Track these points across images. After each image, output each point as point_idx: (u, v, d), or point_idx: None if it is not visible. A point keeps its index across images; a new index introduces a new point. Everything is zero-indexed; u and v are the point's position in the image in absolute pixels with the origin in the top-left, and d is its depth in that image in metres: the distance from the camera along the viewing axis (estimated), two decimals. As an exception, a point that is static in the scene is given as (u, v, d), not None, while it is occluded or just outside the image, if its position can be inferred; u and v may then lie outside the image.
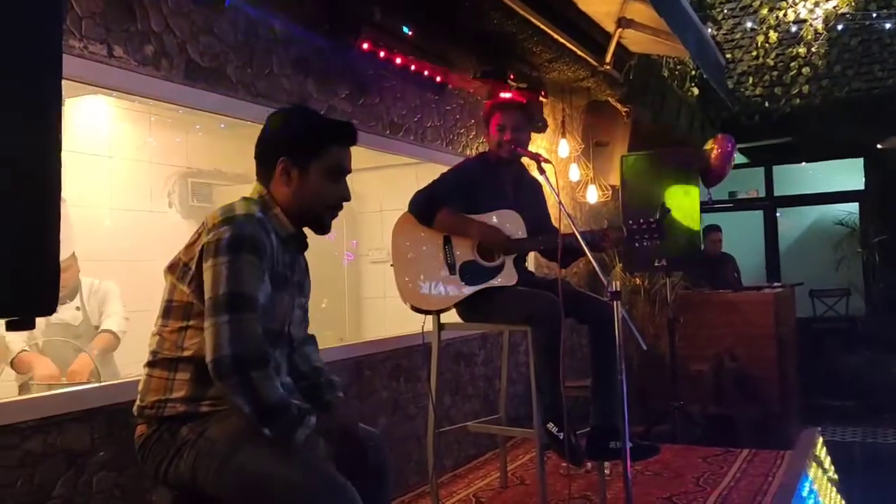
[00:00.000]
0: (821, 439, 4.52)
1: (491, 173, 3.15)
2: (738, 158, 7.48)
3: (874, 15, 7.71)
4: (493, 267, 3.04)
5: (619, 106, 5.83)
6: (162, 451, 1.82)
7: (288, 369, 2.00)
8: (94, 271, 3.48)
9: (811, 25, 7.84)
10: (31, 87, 1.00)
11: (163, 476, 1.84)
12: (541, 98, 4.88)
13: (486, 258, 3.05)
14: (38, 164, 1.01)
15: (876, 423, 6.20)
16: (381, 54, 3.56)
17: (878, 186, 8.65)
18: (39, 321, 1.07)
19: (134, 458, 1.92)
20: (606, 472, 3.46)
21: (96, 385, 2.66)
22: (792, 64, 8.02)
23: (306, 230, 2.02)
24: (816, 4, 7.86)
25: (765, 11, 8.11)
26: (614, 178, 5.93)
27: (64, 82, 1.07)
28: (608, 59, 4.96)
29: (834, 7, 7.76)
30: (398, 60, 3.68)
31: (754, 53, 8.23)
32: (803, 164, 9.55)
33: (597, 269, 2.50)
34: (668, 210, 3.13)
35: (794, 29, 7.97)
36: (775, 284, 6.82)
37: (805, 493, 3.53)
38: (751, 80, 8.25)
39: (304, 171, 1.92)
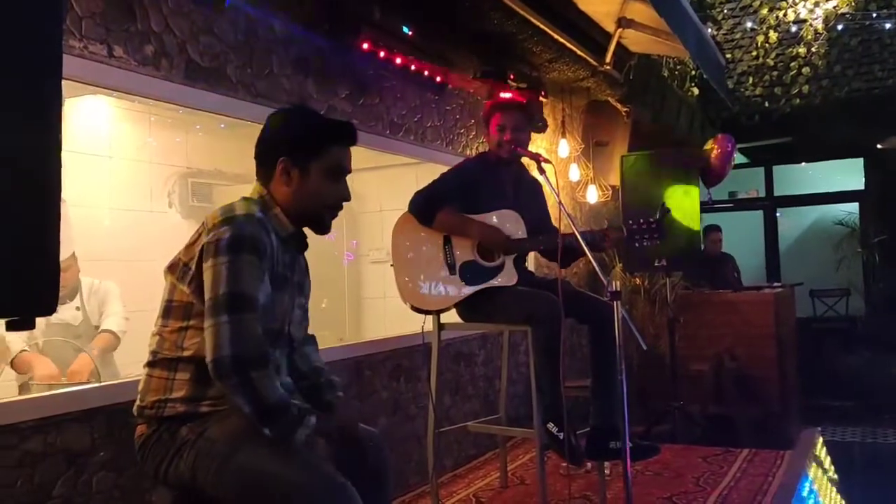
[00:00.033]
0: (821, 439, 4.52)
1: (491, 173, 3.15)
2: (738, 158, 7.48)
3: (874, 15, 7.71)
4: (492, 267, 3.04)
5: (619, 106, 5.83)
6: (162, 452, 1.82)
7: (288, 369, 2.00)
8: (93, 271, 3.48)
9: (811, 25, 7.84)
10: (31, 87, 1.00)
11: (163, 476, 1.84)
12: (541, 98, 4.88)
13: (486, 258, 3.05)
14: (38, 164, 1.00)
15: (876, 424, 6.20)
16: (381, 54, 3.56)
17: (878, 186, 8.65)
18: (39, 321, 1.07)
19: (134, 458, 1.92)
20: (606, 472, 3.46)
21: (96, 385, 2.66)
22: (792, 64, 8.02)
23: (306, 230, 2.02)
24: (816, 4, 7.86)
25: (765, 11, 8.11)
26: (614, 178, 5.93)
27: (64, 82, 1.07)
28: (608, 59, 4.96)
29: (834, 7, 7.76)
30: (398, 60, 3.67)
31: (754, 53, 8.23)
32: (803, 164, 9.55)
33: (597, 269, 2.50)
34: (668, 210, 3.13)
35: (794, 29, 7.97)
36: (775, 284, 6.81)
37: (805, 493, 3.53)
38: (751, 80, 8.25)
39: (304, 171, 1.92)
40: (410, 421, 3.84)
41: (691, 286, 6.09)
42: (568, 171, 5.68)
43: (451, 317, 3.17)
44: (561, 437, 2.79)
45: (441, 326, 3.20)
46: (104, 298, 3.45)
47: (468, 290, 3.03)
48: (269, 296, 1.83)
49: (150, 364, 1.88)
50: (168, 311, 1.88)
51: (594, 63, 4.94)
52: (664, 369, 5.22)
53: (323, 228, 2.01)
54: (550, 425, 2.82)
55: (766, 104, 8.13)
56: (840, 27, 7.84)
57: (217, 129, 3.95)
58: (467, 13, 3.95)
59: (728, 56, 8.23)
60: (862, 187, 8.93)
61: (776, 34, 8.02)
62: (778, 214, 9.56)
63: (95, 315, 3.43)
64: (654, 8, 3.93)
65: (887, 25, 7.69)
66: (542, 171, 2.89)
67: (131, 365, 3.24)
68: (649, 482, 3.79)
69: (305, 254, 2.08)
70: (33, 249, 1.00)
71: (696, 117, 7.50)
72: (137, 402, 1.88)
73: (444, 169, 3.30)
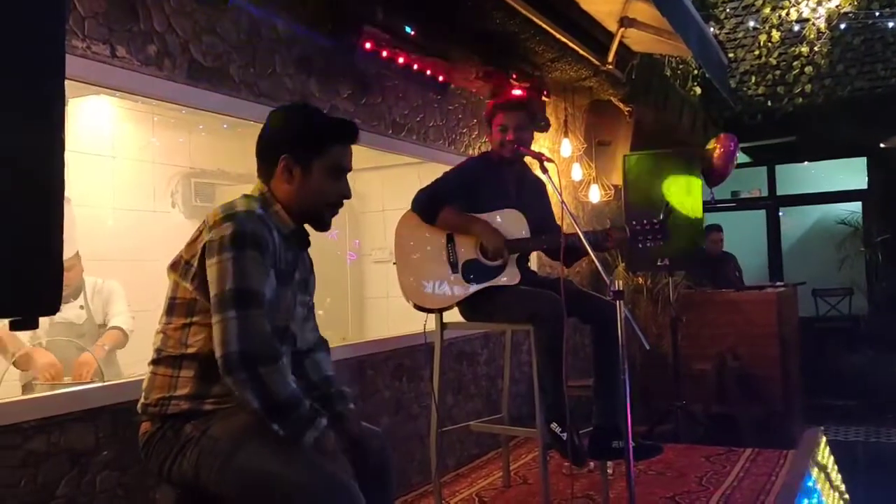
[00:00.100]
0: (824, 439, 4.51)
1: (493, 173, 3.15)
2: (741, 158, 7.47)
3: (877, 14, 7.70)
4: (495, 266, 3.04)
5: (621, 105, 5.82)
6: (166, 449, 1.82)
7: (292, 368, 2.00)
8: (97, 271, 3.49)
9: (814, 24, 7.83)
10: (33, 87, 1.00)
11: (166, 474, 1.84)
12: (543, 97, 4.88)
13: (489, 257, 3.05)
14: (41, 164, 1.00)
15: (879, 423, 6.19)
16: (384, 54, 3.56)
17: (881, 185, 8.63)
18: (43, 320, 1.07)
19: (137, 456, 1.93)
20: (609, 471, 3.46)
21: (99, 385, 2.66)
22: (794, 63, 8.00)
23: (307, 227, 2.02)
24: (819, 3, 7.85)
25: (767, 10, 8.10)
26: (617, 178, 5.93)
27: (67, 83, 1.08)
28: (610, 58, 4.95)
29: (836, 6, 7.74)
30: (400, 60, 3.67)
31: (757, 52, 8.22)
32: (806, 163, 9.53)
33: (599, 268, 2.50)
34: (672, 210, 3.12)
35: (796, 28, 7.95)
36: (778, 284, 6.81)
37: (808, 493, 3.53)
38: (753, 79, 8.23)
39: (306, 169, 1.92)
40: (413, 420, 3.85)
41: (694, 285, 6.09)
42: (570, 171, 5.68)
43: (453, 316, 3.17)
44: (564, 437, 2.79)
45: (444, 326, 3.20)
46: (109, 298, 3.46)
47: (470, 289, 3.02)
48: (274, 291, 1.83)
49: (154, 362, 1.89)
50: (171, 308, 1.88)
51: (596, 62, 4.94)
52: (667, 369, 5.22)
53: (323, 226, 2.01)
54: (553, 425, 2.82)
55: (769, 103, 8.12)
56: (843, 26, 7.83)
57: (220, 129, 3.95)
58: (470, 13, 3.95)
59: (731, 55, 8.22)
60: (865, 186, 8.91)
61: (779, 33, 8.00)
62: (781, 214, 9.55)
63: (99, 314, 3.44)
64: (657, 7, 3.93)
65: (890, 24, 7.67)
66: (544, 171, 2.89)
67: (134, 364, 3.24)
68: (652, 482, 3.79)
69: (309, 252, 2.08)
70: (35, 249, 1.00)
71: (699, 117, 7.49)
72: (142, 400, 1.89)
73: (447, 169, 3.30)
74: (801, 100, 7.97)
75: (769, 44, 8.07)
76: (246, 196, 1.95)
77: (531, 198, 3.20)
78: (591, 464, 3.49)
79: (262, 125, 2.01)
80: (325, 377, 2.09)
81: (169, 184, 4.31)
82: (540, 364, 2.89)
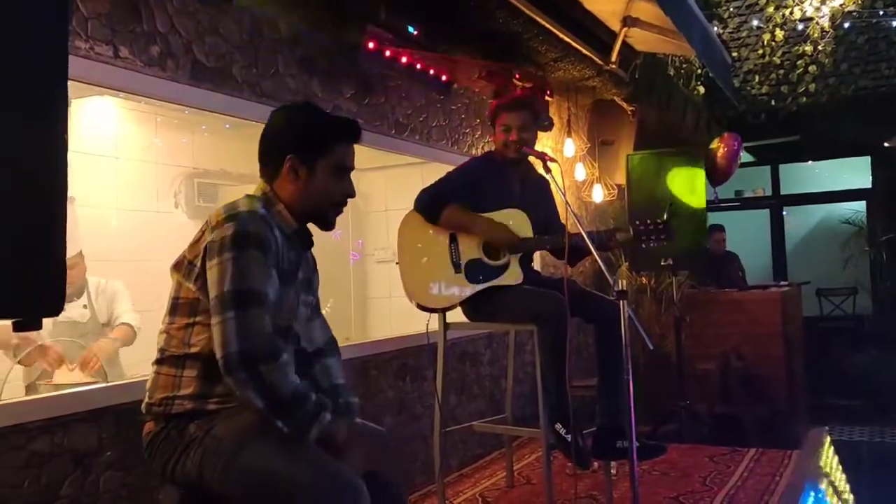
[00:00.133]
0: (828, 439, 4.50)
1: (497, 172, 3.14)
2: (745, 157, 7.46)
3: (881, 13, 7.68)
4: (498, 266, 3.03)
5: (624, 105, 5.82)
6: (169, 449, 1.82)
7: (300, 368, 1.99)
8: (100, 271, 3.50)
9: (818, 23, 7.82)
10: (36, 87, 1.00)
11: (170, 474, 1.84)
12: (546, 97, 4.87)
13: (492, 257, 3.04)
14: (43, 164, 1.00)
15: (884, 423, 6.16)
16: (387, 54, 3.56)
17: (886, 185, 8.60)
18: (46, 320, 1.06)
19: (141, 457, 1.93)
20: (613, 471, 3.45)
21: (103, 385, 2.67)
22: (798, 62, 7.99)
23: (310, 226, 2.02)
24: (823, 2, 7.84)
25: (771, 9, 8.09)
26: (620, 177, 5.92)
27: (70, 83, 1.07)
28: (614, 57, 4.95)
29: (840, 5, 7.73)
30: (403, 60, 3.67)
31: (760, 52, 8.20)
32: (810, 162, 9.51)
33: (603, 268, 2.49)
34: (676, 210, 3.11)
35: (800, 27, 7.94)
36: (782, 283, 6.79)
37: (812, 493, 3.52)
38: (757, 78, 8.22)
39: (311, 169, 1.92)
40: (416, 420, 3.84)
41: (697, 285, 6.08)
42: (574, 171, 5.67)
43: (456, 316, 3.17)
44: (567, 438, 2.78)
45: (447, 326, 3.20)
46: (113, 297, 3.47)
47: (473, 289, 3.02)
48: (277, 291, 1.83)
49: (158, 361, 1.89)
50: (174, 308, 1.88)
51: (600, 62, 4.93)
52: (670, 368, 5.21)
53: (328, 225, 2.01)
54: (557, 425, 2.81)
55: (773, 102, 8.11)
56: (847, 25, 7.81)
57: (223, 130, 3.96)
58: (473, 12, 3.94)
59: (734, 54, 8.21)
60: (869, 185, 8.89)
61: (782, 32, 7.99)
62: (784, 213, 9.53)
63: (103, 314, 3.45)
64: (660, 6, 3.93)
65: (894, 23, 7.65)
66: (547, 170, 2.89)
67: (137, 365, 3.25)
68: (656, 482, 3.79)
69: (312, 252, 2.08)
70: (36, 250, 1.00)
71: (702, 116, 7.47)
72: (146, 400, 1.89)
73: (450, 169, 3.30)
74: (804, 99, 7.95)
75: (773, 43, 8.06)
76: (248, 196, 1.95)
77: (535, 197, 3.19)
78: (595, 464, 3.48)
79: (264, 125, 2.01)
80: (334, 385, 2.07)
81: (172, 184, 4.32)
82: (543, 364, 2.88)
